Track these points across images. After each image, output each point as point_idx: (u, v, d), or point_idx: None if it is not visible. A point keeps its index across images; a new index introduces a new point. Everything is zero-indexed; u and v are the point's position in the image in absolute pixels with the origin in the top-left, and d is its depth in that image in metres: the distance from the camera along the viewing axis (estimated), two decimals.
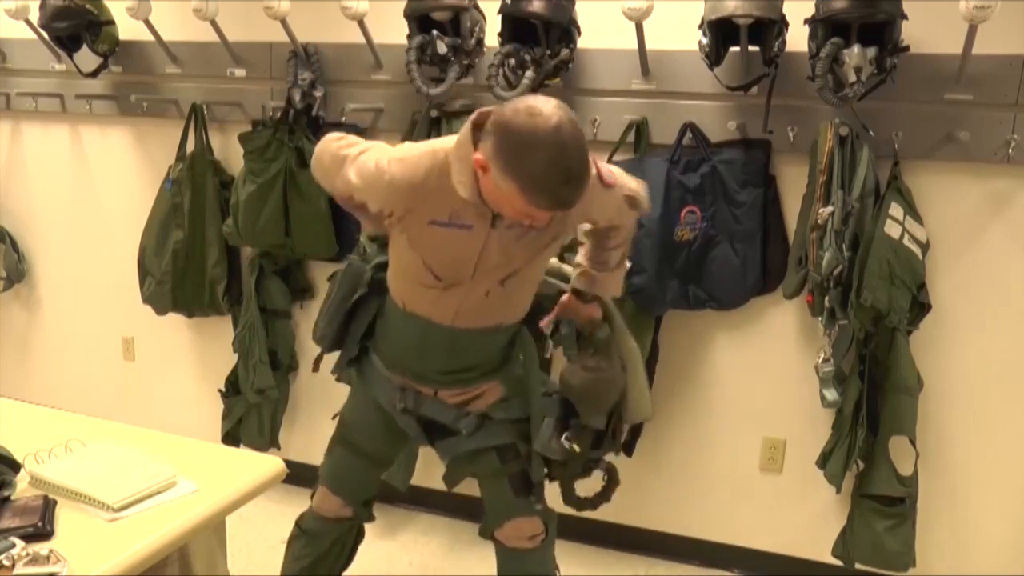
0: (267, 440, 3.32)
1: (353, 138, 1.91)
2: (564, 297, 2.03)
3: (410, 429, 2.09)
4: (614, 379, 1.95)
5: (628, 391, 1.99)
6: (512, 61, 2.58)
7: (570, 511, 2.10)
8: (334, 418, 2.24)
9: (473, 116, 1.70)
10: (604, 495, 2.07)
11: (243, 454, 2.20)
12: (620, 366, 1.98)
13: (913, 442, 2.54)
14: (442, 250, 1.82)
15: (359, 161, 1.83)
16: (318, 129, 3.03)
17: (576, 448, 1.92)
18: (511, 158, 1.57)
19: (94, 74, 3.30)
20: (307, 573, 2.22)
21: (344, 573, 2.32)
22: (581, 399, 1.92)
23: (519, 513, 2.07)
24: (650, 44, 2.61)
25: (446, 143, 1.77)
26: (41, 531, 1.47)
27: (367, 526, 2.31)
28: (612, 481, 2.07)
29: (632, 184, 1.93)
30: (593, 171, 1.73)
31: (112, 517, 1.54)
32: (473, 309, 1.89)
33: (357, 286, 2.04)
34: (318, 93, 3.01)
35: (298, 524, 2.25)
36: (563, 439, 1.93)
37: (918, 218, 2.48)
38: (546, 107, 1.58)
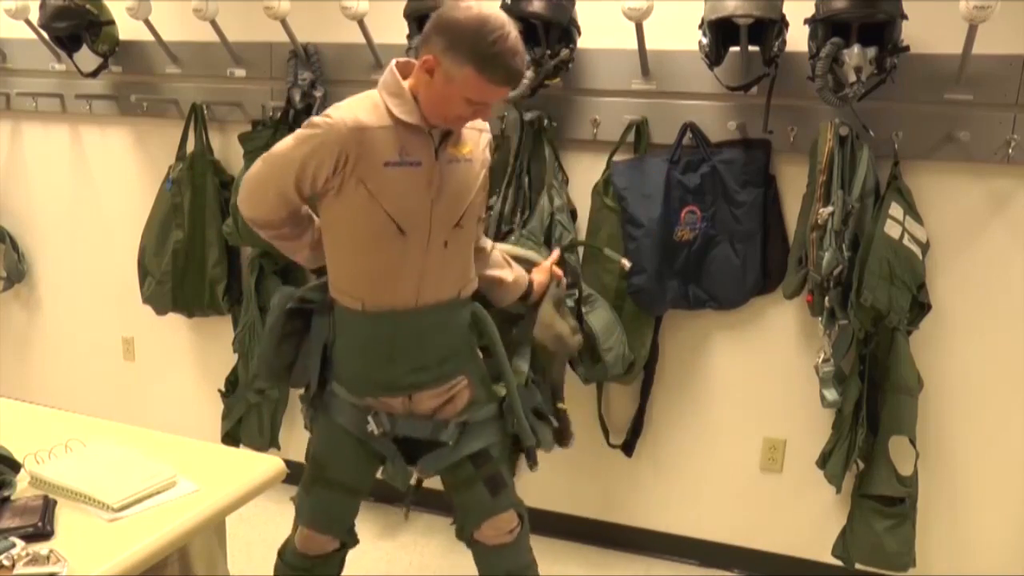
0: (267, 440, 3.32)
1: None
2: (547, 265, 2.25)
3: (387, 451, 2.04)
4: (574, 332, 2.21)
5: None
6: None
7: (565, 510, 2.12)
8: (306, 458, 2.15)
9: (392, 63, 1.87)
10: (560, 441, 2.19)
11: (243, 454, 2.19)
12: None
13: (913, 442, 2.54)
14: (401, 193, 1.84)
15: (287, 142, 1.84)
16: None
17: (555, 423, 2.07)
18: (466, 42, 1.71)
19: (94, 74, 3.30)
20: None
21: (343, 574, 2.31)
22: (559, 354, 2.09)
23: (497, 511, 2.09)
24: (650, 44, 2.62)
25: (371, 92, 1.86)
26: (41, 531, 1.46)
27: (365, 527, 2.30)
28: (564, 428, 2.20)
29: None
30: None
31: (112, 517, 1.54)
32: (435, 272, 1.92)
33: (287, 303, 2.03)
34: (318, 93, 3.01)
35: (281, 557, 2.19)
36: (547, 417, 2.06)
37: (918, 218, 2.48)
38: (477, 5, 1.75)
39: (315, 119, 1.82)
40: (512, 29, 1.74)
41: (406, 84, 1.82)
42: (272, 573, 2.20)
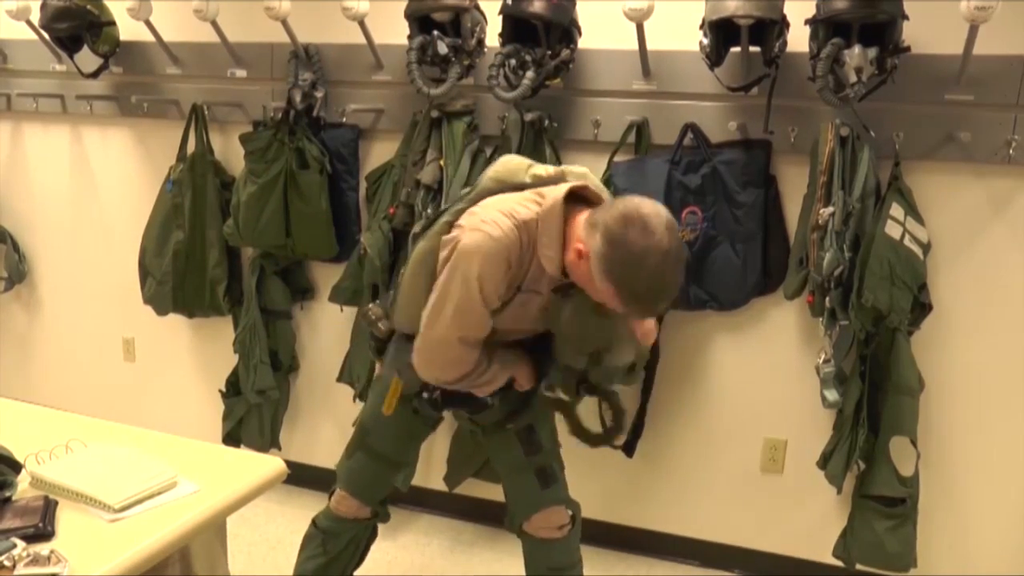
0: (268, 441, 3.32)
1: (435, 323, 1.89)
2: None
3: (429, 412, 2.12)
4: (606, 323, 1.90)
5: (618, 329, 1.96)
6: (513, 61, 2.58)
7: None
8: (354, 424, 2.25)
9: (569, 186, 1.79)
10: (616, 428, 2.05)
11: (244, 455, 2.19)
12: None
13: (914, 443, 2.54)
14: (516, 311, 1.88)
15: (457, 295, 1.81)
16: (319, 130, 3.04)
17: (562, 395, 1.98)
18: (617, 270, 1.68)
19: (95, 75, 3.30)
20: (321, 572, 2.24)
21: (355, 573, 2.33)
22: (568, 337, 1.93)
23: (547, 504, 2.14)
24: (651, 45, 2.62)
25: (520, 210, 1.81)
26: (42, 531, 1.46)
27: None
28: (618, 413, 2.05)
29: None
30: None
31: (113, 518, 1.54)
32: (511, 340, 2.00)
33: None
34: (319, 94, 3.01)
35: (314, 523, 2.27)
36: (543, 387, 2.00)
37: (919, 218, 2.48)
38: (659, 225, 1.68)
39: (472, 273, 1.80)
40: (673, 265, 1.69)
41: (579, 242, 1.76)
42: (275, 574, 2.22)
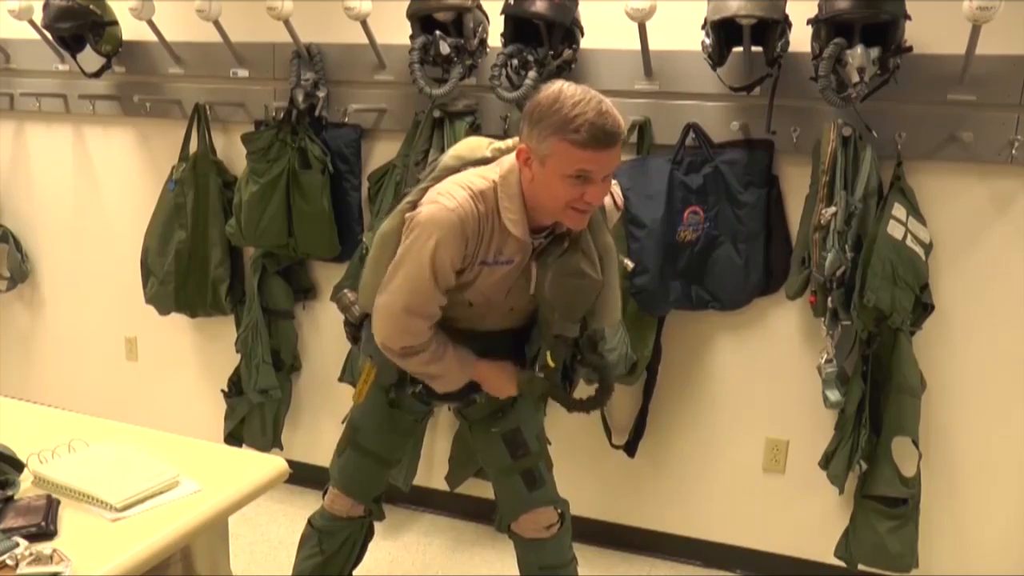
0: (270, 440, 3.32)
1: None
2: None
3: (415, 406, 2.12)
4: (590, 284, 1.89)
5: (601, 291, 1.93)
6: (515, 61, 2.58)
7: (580, 512, 2.09)
8: (343, 422, 2.25)
9: (522, 145, 1.79)
10: (597, 400, 2.01)
11: (246, 454, 2.20)
12: (599, 265, 1.91)
13: (916, 443, 2.54)
14: (486, 285, 1.89)
15: (410, 264, 1.83)
16: (321, 129, 3.04)
17: (550, 363, 1.94)
18: (547, 115, 1.70)
19: (97, 74, 3.30)
20: (319, 571, 2.24)
21: (354, 572, 2.33)
22: (556, 306, 1.90)
23: (533, 505, 2.12)
24: (653, 44, 2.61)
25: (476, 181, 1.82)
26: (44, 531, 1.46)
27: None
28: (604, 385, 2.01)
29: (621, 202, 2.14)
30: (609, 198, 1.93)
31: (115, 517, 1.54)
32: (496, 321, 1.99)
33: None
34: (321, 93, 3.01)
35: (310, 523, 2.27)
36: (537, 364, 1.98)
37: (921, 219, 2.48)
38: (561, 83, 1.74)
39: (426, 238, 1.81)
40: (596, 96, 1.72)
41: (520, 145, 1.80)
42: (276, 573, 2.22)
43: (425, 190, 1.88)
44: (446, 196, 1.80)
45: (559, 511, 2.15)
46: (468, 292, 1.90)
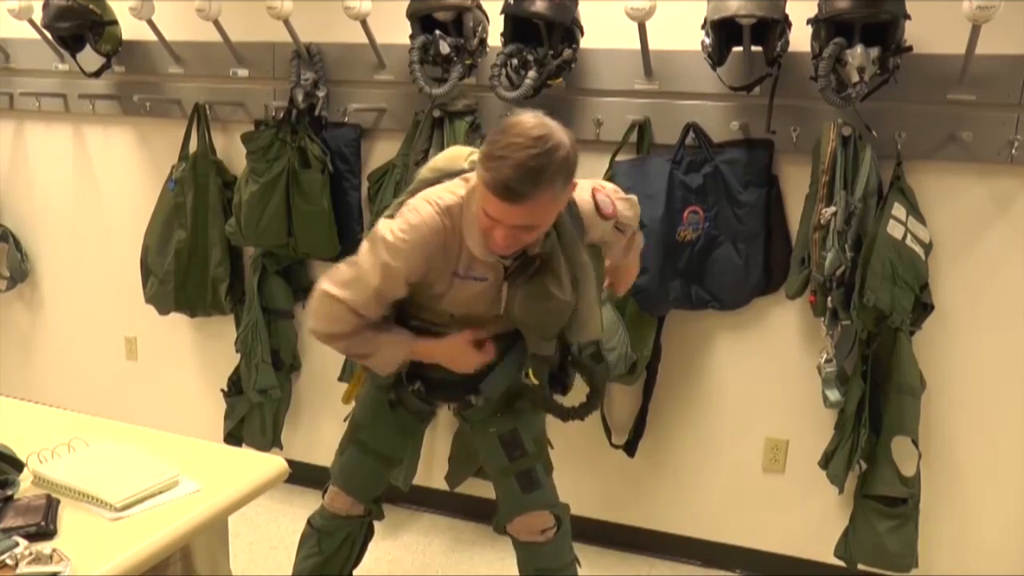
0: (269, 440, 3.32)
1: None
2: None
3: (417, 405, 2.13)
4: (559, 306, 1.85)
5: (577, 309, 1.89)
6: (515, 61, 2.58)
7: (581, 512, 2.08)
8: (345, 419, 2.25)
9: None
10: (587, 407, 2.00)
11: (245, 454, 2.19)
12: (569, 286, 1.86)
13: (916, 443, 2.54)
14: (463, 298, 1.89)
15: (361, 268, 1.85)
16: (321, 129, 3.04)
17: (534, 380, 1.95)
18: (487, 143, 1.67)
19: (97, 74, 3.30)
20: (318, 571, 2.24)
21: (354, 571, 2.33)
22: (528, 326, 1.90)
23: (528, 508, 2.12)
24: (653, 44, 2.61)
25: (445, 196, 1.82)
26: (44, 530, 1.46)
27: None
28: (595, 390, 1.99)
29: (628, 212, 2.03)
30: (589, 200, 1.87)
31: (115, 516, 1.54)
32: (490, 329, 1.98)
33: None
34: (321, 93, 3.01)
35: (310, 523, 2.27)
36: (522, 374, 1.99)
37: (921, 218, 2.48)
38: (533, 118, 1.65)
39: (390, 239, 1.81)
40: (543, 149, 1.61)
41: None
42: (276, 573, 2.22)
43: (401, 204, 1.89)
44: (411, 211, 1.81)
45: (555, 515, 2.13)
46: (445, 303, 1.90)
